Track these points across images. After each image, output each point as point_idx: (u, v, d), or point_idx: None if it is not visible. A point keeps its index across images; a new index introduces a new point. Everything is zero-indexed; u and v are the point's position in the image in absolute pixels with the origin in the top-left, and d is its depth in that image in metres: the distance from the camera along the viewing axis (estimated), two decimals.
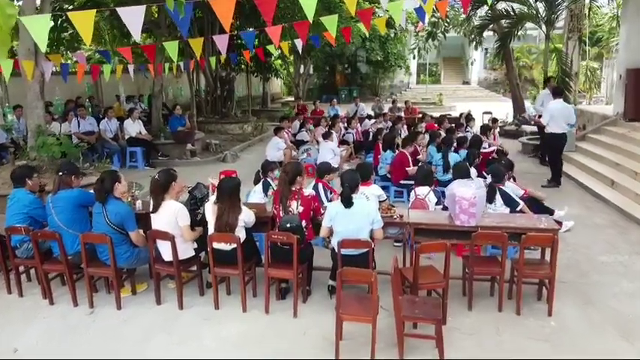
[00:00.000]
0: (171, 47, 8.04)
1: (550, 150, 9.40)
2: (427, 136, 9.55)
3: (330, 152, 9.60)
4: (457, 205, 4.28)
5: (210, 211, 4.32)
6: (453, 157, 7.77)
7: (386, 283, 4.29)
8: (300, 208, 4.37)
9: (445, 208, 5.55)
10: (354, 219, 4.14)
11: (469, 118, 10.87)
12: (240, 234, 4.22)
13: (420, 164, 7.69)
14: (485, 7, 14.34)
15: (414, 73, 34.01)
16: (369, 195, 5.23)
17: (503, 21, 13.45)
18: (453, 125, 10.73)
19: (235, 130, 15.54)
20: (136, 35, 5.14)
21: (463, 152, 8.29)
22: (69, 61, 19.83)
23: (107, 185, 4.29)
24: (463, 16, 16.98)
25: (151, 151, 10.84)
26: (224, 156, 11.49)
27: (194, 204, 4.77)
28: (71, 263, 4.47)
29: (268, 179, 6.13)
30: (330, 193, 5.84)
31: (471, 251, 4.17)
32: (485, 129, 8.92)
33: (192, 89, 15.07)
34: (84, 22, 5.18)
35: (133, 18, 5.16)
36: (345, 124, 12.88)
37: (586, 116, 13.04)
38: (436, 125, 10.92)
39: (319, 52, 24.86)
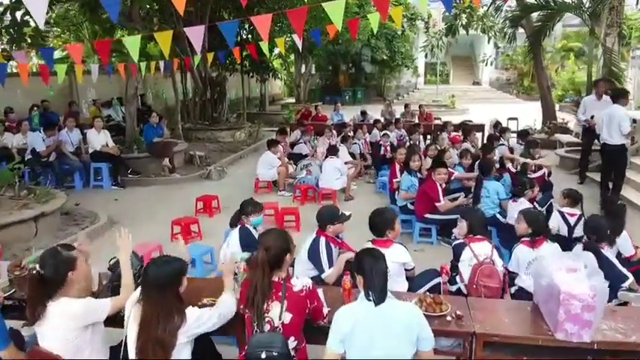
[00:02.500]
0: (132, 43, 6.32)
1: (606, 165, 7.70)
2: (454, 153, 7.74)
3: (335, 171, 7.79)
4: (561, 308, 2.47)
5: (132, 313, 2.50)
6: (492, 186, 5.93)
7: None
8: (287, 317, 2.49)
9: (512, 277, 3.75)
10: (385, 336, 2.32)
11: (503, 128, 9.01)
12: (182, 354, 2.42)
13: (468, 204, 5.90)
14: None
15: (421, 74, 32.10)
16: (389, 263, 3.43)
17: (536, 14, 11.57)
18: (478, 136, 8.96)
19: (227, 137, 13.74)
20: (40, 20, 3.38)
21: (507, 178, 6.48)
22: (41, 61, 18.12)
23: None
24: (482, 9, 15.14)
25: (120, 168, 9.04)
26: (208, 172, 9.68)
27: (116, 288, 2.93)
28: None
29: (248, 226, 4.32)
30: (337, 250, 4.03)
31: None
32: (532, 145, 7.06)
33: (177, 92, 13.26)
34: None
35: None
36: (351, 133, 11.09)
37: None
38: (460, 137, 9.08)
39: (321, 51, 23.05)
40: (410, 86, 32.11)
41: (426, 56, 17.78)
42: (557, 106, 24.77)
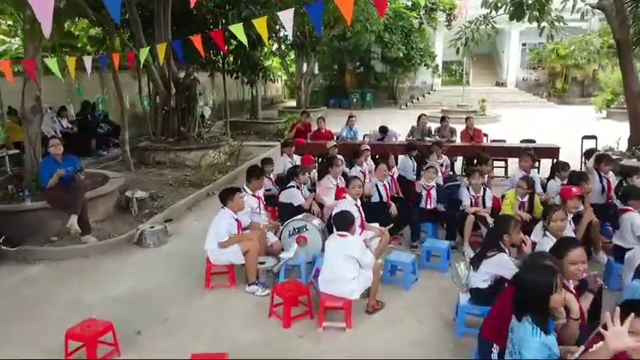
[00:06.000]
0: None
1: None
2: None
3: (348, 263, 4.05)
4: None
5: None
6: None
7: None
8: None
9: None
10: None
11: (630, 169, 5.31)
12: None
13: None
14: None
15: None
16: None
17: None
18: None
19: (197, 160, 10.06)
20: None
21: None
22: None
23: None
24: None
25: None
26: (138, 235, 6.00)
27: None
28: None
29: None
30: None
31: None
32: None
33: (124, 99, 9.64)
34: None
35: None
36: (368, 165, 7.47)
37: None
38: (574, 188, 5.28)
39: (325, 48, 19.41)
40: (425, 87, 28.40)
41: (457, 52, 14.01)
42: (603, 113, 21.20)
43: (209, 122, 16.75)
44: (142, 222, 6.58)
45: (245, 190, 5.32)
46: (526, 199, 5.53)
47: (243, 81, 15.25)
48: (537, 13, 10.45)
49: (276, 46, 19.69)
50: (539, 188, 6.15)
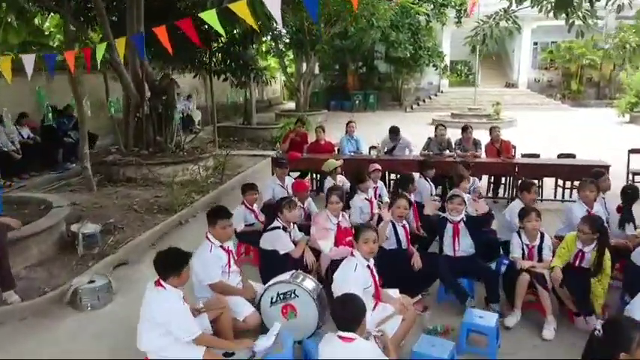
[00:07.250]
0: None
1: None
2: None
3: None
4: None
5: None
6: None
7: None
8: None
9: None
10: None
11: None
12: None
13: None
14: None
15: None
16: None
17: None
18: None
19: (177, 175, 8.58)
20: None
21: None
22: None
23: None
24: None
25: None
26: (71, 294, 4.48)
27: None
28: None
29: None
30: None
31: None
32: None
33: (82, 104, 8.11)
34: None
35: None
36: (374, 189, 6.00)
37: None
38: None
39: (326, 46, 17.91)
40: (432, 89, 26.89)
41: (472, 50, 12.57)
42: (626, 117, 19.65)
43: (198, 127, 15.30)
44: (88, 266, 5.10)
45: (210, 240, 3.80)
46: (589, 248, 3.99)
47: (233, 83, 13.70)
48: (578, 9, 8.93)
49: (273, 45, 18.26)
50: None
